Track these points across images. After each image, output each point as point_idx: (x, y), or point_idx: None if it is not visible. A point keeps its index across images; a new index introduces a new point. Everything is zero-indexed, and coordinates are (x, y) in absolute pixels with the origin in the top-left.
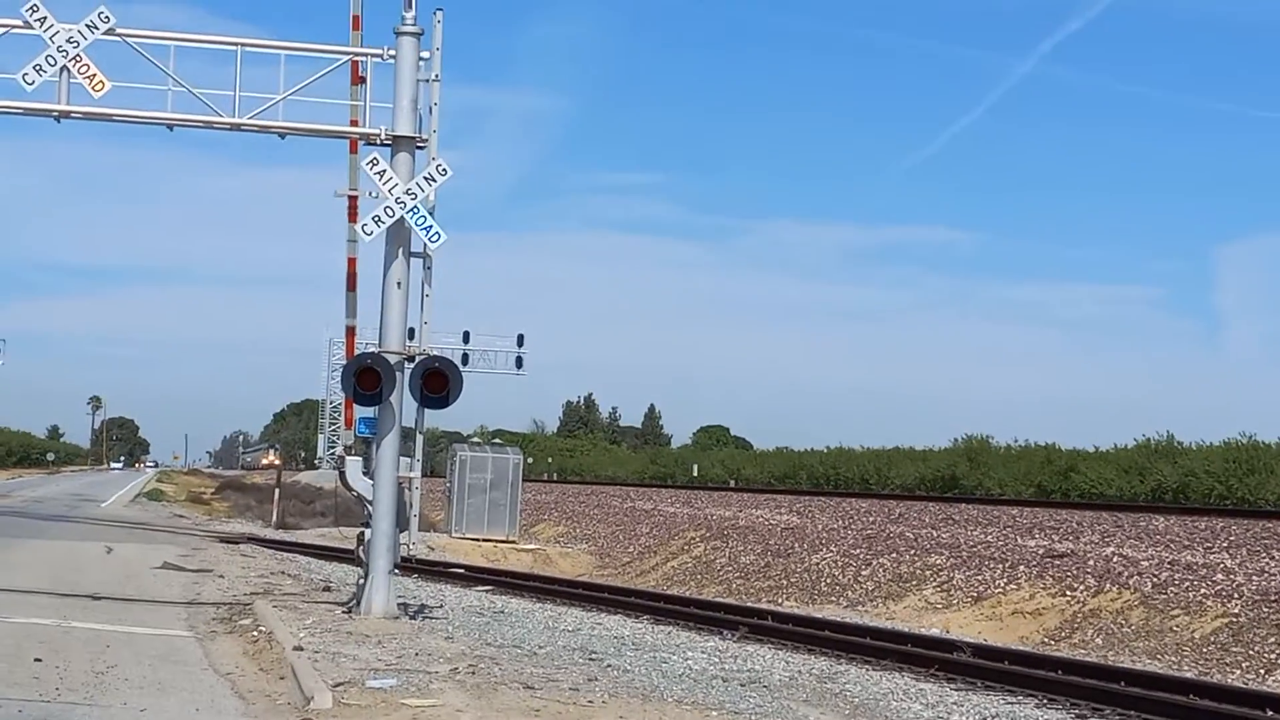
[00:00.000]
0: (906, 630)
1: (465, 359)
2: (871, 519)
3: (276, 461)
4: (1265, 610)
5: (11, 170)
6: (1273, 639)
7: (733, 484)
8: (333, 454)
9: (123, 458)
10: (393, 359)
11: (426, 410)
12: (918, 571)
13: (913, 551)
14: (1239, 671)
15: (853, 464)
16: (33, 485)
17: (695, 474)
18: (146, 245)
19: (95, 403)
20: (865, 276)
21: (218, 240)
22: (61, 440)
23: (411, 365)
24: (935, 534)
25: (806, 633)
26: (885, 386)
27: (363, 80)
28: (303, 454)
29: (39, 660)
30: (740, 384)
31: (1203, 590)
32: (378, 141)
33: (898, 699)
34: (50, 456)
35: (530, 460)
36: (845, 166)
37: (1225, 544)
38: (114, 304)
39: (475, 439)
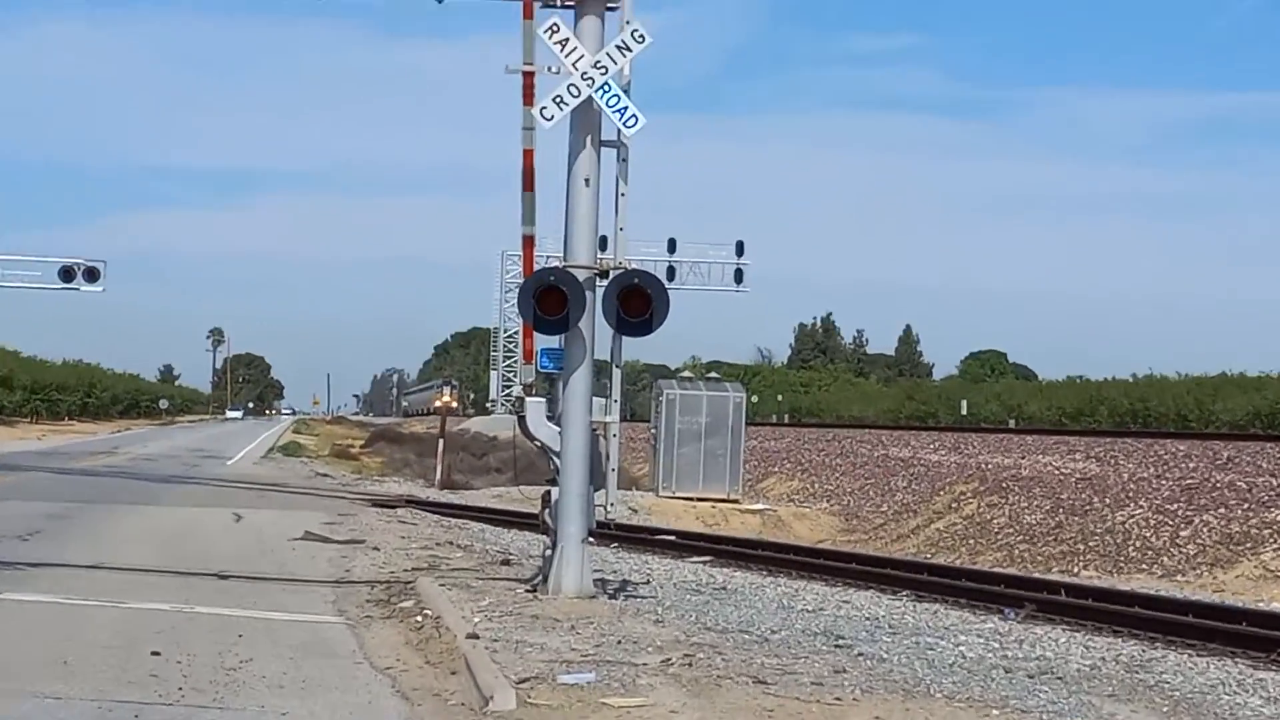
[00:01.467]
0: (1240, 606)
1: (671, 273)
2: (1191, 465)
3: (453, 402)
4: None
5: (114, 44)
6: None
7: (1012, 424)
8: (508, 395)
9: (242, 406)
10: (581, 275)
11: (624, 339)
12: (1253, 531)
13: (1246, 506)
14: None
15: (1166, 396)
16: (143, 439)
17: (964, 412)
18: (280, 142)
19: (217, 336)
20: (1182, 158)
21: (364, 137)
22: (177, 384)
23: (605, 282)
24: (1276, 481)
25: (1110, 610)
26: (1208, 297)
27: None
28: (471, 396)
29: (157, 654)
30: (1020, 298)
31: None
32: (558, 3)
33: (1230, 692)
34: (163, 404)
35: (755, 399)
36: (1158, 17)
37: None
38: (240, 217)
39: (686, 374)
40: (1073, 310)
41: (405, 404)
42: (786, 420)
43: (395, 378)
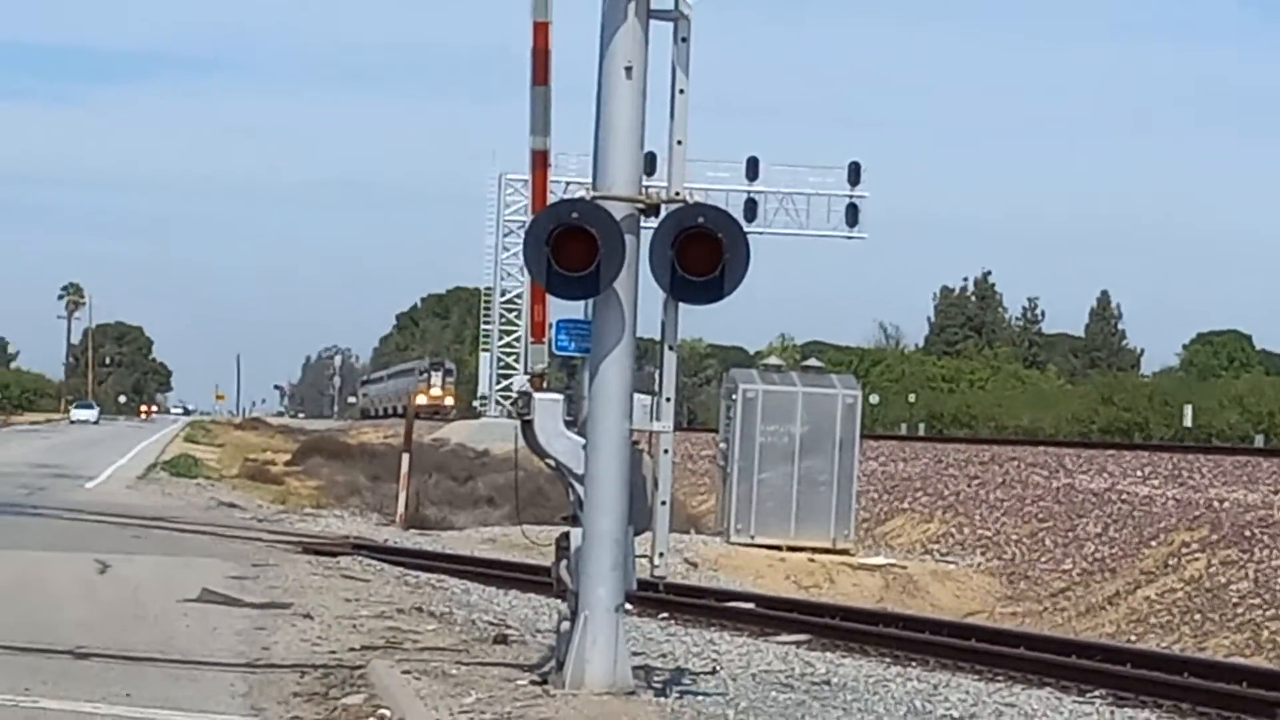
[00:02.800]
0: None
1: (752, 209)
2: None
3: (446, 398)
4: None
5: None
6: None
7: (1260, 441)
8: (507, 391)
9: (94, 404)
10: (619, 211)
11: (683, 307)
12: None
13: None
14: None
15: None
16: None
17: (1188, 423)
18: (167, 16)
19: (73, 297)
20: None
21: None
22: (14, 367)
23: (654, 222)
24: None
25: None
26: None
27: None
28: (452, 385)
29: None
30: (1274, 258)
31: None
32: None
33: None
34: None
35: (876, 399)
36: None
37: None
38: (110, 120)
39: (772, 360)
40: None
41: (362, 398)
42: (921, 432)
43: (338, 361)
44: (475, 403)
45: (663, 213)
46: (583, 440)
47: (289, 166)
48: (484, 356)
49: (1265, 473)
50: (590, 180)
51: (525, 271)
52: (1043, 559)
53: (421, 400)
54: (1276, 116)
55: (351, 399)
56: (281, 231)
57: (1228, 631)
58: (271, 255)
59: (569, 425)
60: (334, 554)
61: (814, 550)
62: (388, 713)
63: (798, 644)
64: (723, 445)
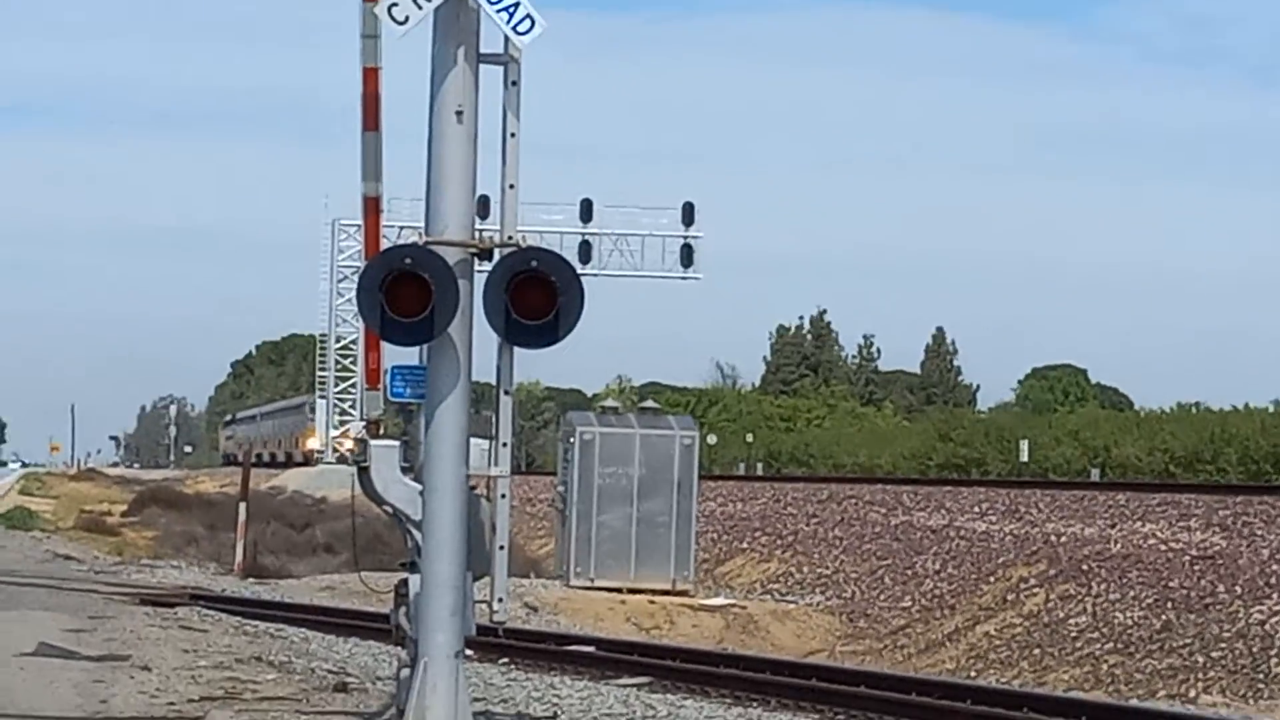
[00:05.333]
0: None
1: (587, 251)
2: None
3: (345, 440)
4: None
5: None
6: None
7: (1097, 475)
8: (345, 437)
9: None
10: (452, 256)
11: (518, 351)
12: None
13: None
14: None
15: None
16: None
17: (1025, 458)
18: None
19: None
20: None
21: (110, 47)
22: None
23: (488, 266)
24: None
25: None
26: None
27: None
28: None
29: None
30: (1108, 292)
31: None
32: None
33: None
34: None
35: (714, 439)
36: None
37: None
38: None
39: (610, 403)
40: (1187, 307)
41: (226, 441)
42: (760, 471)
43: (173, 410)
44: (311, 451)
45: (496, 257)
46: (420, 486)
47: (119, 214)
48: (320, 404)
49: (1101, 506)
50: (423, 225)
51: (359, 318)
52: (882, 596)
53: (314, 444)
54: (1107, 151)
55: (189, 448)
56: (114, 280)
57: (1067, 666)
58: (104, 304)
59: (406, 471)
60: (171, 605)
61: (654, 592)
62: None
63: (639, 686)
64: (561, 488)
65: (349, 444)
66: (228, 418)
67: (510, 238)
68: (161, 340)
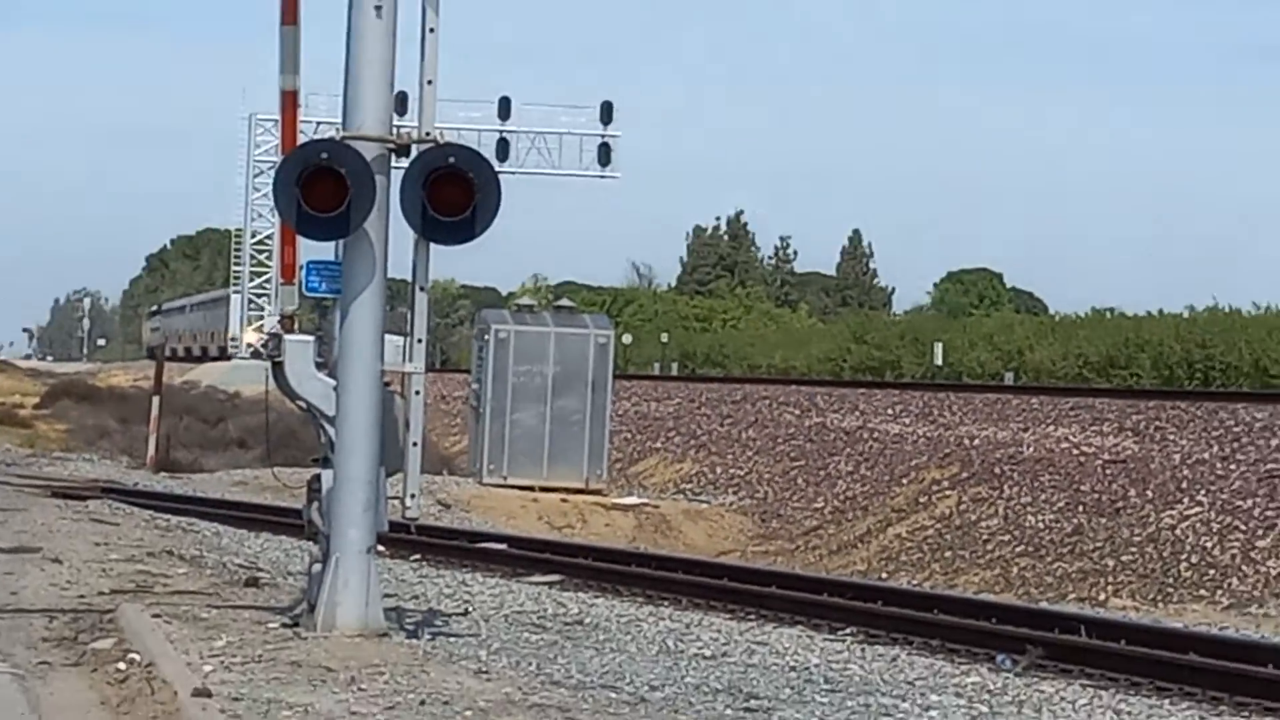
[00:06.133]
0: None
1: (504, 149)
2: (1276, 442)
3: (270, 331)
4: None
5: None
6: None
7: (1010, 379)
8: (259, 332)
9: None
10: (369, 151)
11: (434, 247)
12: None
13: None
14: None
15: (1237, 338)
16: None
17: (939, 362)
18: None
19: None
20: None
21: None
22: None
23: (405, 163)
24: None
25: (1153, 657)
26: None
27: None
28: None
29: None
30: (1024, 196)
31: None
32: None
33: None
34: None
35: (629, 339)
36: None
37: None
38: None
39: (525, 301)
40: (1102, 211)
41: (150, 334)
42: (675, 371)
43: (87, 304)
44: (226, 345)
45: (413, 153)
46: (334, 382)
47: (34, 106)
48: (235, 299)
49: (1015, 410)
50: (340, 121)
51: (276, 213)
52: (795, 498)
53: (252, 338)
54: (1021, 56)
55: (102, 341)
56: (27, 174)
57: (978, 568)
58: (18, 197)
59: (320, 367)
60: (83, 498)
61: (567, 491)
62: (137, 656)
63: (550, 584)
64: (475, 386)
65: (251, 337)
66: (153, 308)
67: (428, 134)
68: (76, 234)
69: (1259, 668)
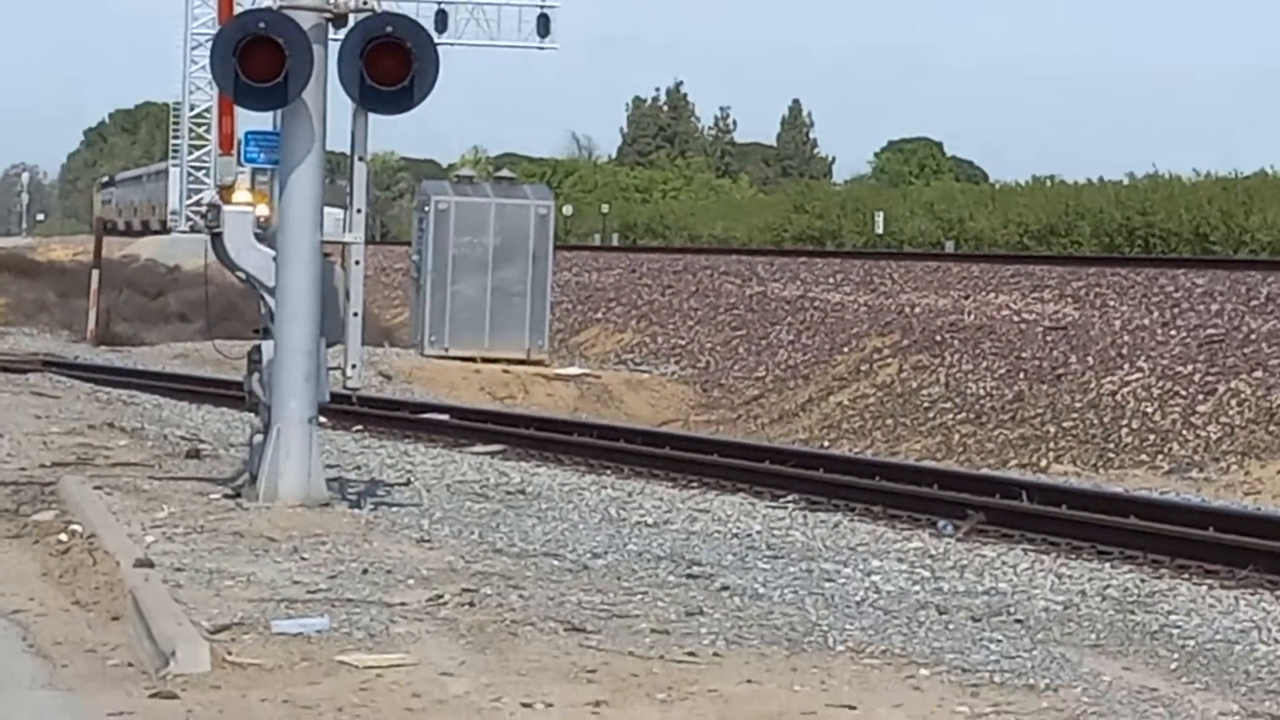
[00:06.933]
0: None
1: (443, 20)
2: (1215, 307)
3: (261, 205)
4: None
5: None
6: None
7: (951, 247)
8: (197, 205)
9: None
10: (307, 20)
11: (373, 118)
12: None
13: None
14: None
15: (1177, 206)
16: None
17: (880, 230)
18: None
19: None
20: None
21: None
22: None
23: (343, 32)
24: None
25: (1094, 521)
26: (1238, 62)
27: None
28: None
29: None
30: (964, 65)
31: None
32: None
33: (1267, 639)
34: None
35: (569, 210)
36: None
37: None
38: None
39: (465, 172)
40: (1044, 79)
41: (103, 206)
42: (615, 242)
43: (25, 178)
44: (165, 219)
45: (351, 22)
46: (273, 253)
47: None
48: (174, 172)
49: (955, 278)
50: None
51: (214, 85)
52: (736, 367)
53: (206, 208)
54: None
55: (41, 215)
56: None
57: (919, 435)
58: None
59: (261, 237)
60: (23, 371)
61: (508, 361)
62: (79, 528)
63: (493, 454)
64: (415, 258)
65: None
66: (104, 179)
67: (365, 3)
68: (12, 108)
69: (1200, 531)
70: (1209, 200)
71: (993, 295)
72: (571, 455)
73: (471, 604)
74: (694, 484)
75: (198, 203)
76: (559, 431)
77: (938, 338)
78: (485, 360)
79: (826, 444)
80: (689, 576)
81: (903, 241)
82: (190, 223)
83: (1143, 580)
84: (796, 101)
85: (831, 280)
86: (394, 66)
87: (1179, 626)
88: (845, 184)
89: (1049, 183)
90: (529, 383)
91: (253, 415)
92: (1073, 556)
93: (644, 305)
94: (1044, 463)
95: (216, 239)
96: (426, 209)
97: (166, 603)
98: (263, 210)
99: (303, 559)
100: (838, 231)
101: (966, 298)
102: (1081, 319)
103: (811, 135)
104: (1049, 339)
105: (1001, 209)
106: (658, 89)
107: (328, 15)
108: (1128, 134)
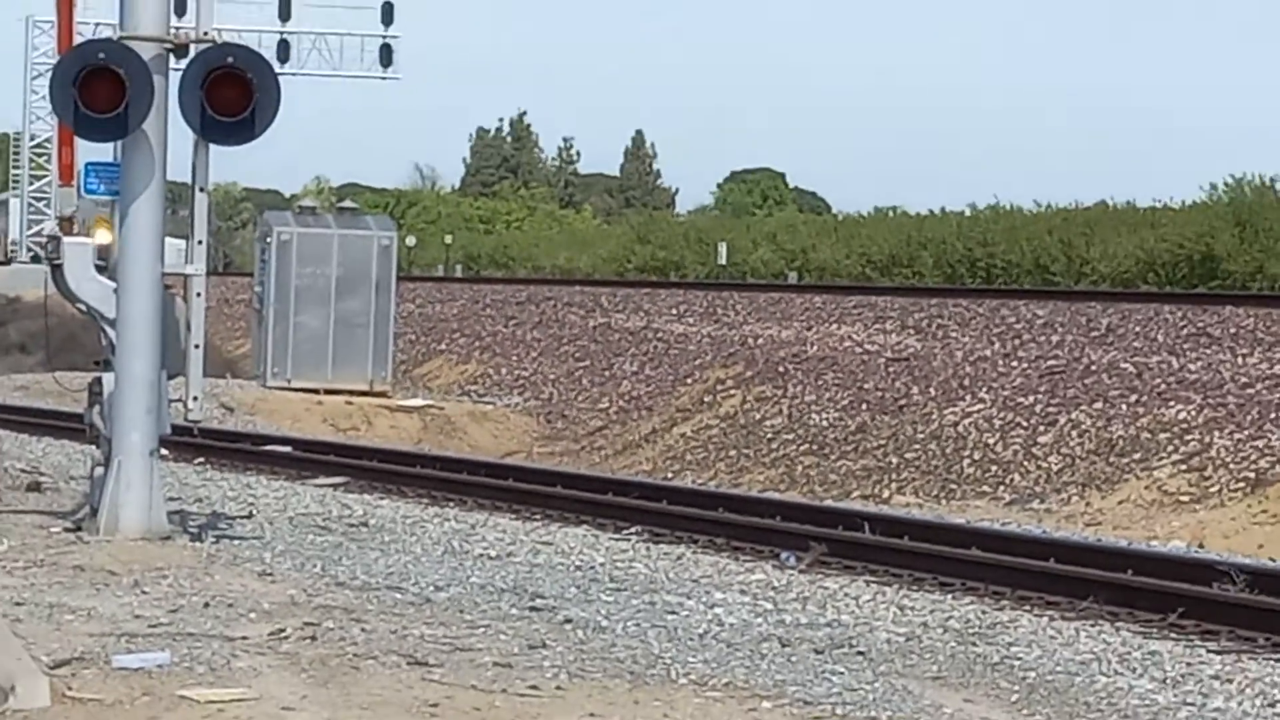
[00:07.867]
0: (1124, 546)
1: (285, 51)
2: (1055, 339)
3: (49, 234)
4: None
5: None
6: None
7: (794, 278)
8: (37, 235)
9: None
10: (147, 51)
11: (214, 148)
12: (1144, 436)
13: (1135, 398)
14: None
15: (1019, 237)
16: None
17: (723, 261)
18: None
19: None
20: None
21: None
22: None
23: (184, 63)
24: (1177, 363)
25: (936, 553)
26: (1083, 93)
27: None
28: None
29: None
30: (806, 95)
31: None
32: None
33: (1108, 670)
34: None
35: (412, 241)
36: None
37: None
38: None
39: (308, 202)
40: (886, 111)
41: None
42: (459, 273)
43: None
44: (7, 250)
45: (192, 53)
46: (113, 284)
47: None
48: (14, 202)
49: (799, 309)
50: (117, 22)
51: (55, 115)
52: (580, 398)
53: (106, 238)
54: None
55: None
56: None
57: (763, 467)
58: None
59: (101, 269)
60: None
61: (351, 393)
62: None
63: (335, 487)
64: (258, 289)
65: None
66: None
67: (206, 34)
68: None
69: (1041, 562)
70: (1049, 231)
71: (835, 326)
72: (414, 487)
73: (314, 638)
74: (537, 516)
75: (39, 233)
76: (402, 463)
77: (781, 369)
78: (328, 392)
79: (670, 476)
80: (532, 609)
81: (746, 272)
82: (31, 253)
83: (984, 612)
84: (639, 132)
85: (675, 311)
86: (235, 97)
87: (1020, 658)
88: (688, 214)
89: (891, 213)
90: (372, 414)
91: (94, 448)
92: (915, 588)
93: (487, 336)
94: (886, 494)
95: (56, 270)
96: (269, 240)
97: (6, 637)
98: (106, 238)
99: (144, 593)
100: (681, 262)
101: (809, 329)
102: (924, 350)
103: (655, 166)
104: (891, 370)
105: (844, 240)
106: (501, 119)
107: (168, 46)
108: (969, 166)
